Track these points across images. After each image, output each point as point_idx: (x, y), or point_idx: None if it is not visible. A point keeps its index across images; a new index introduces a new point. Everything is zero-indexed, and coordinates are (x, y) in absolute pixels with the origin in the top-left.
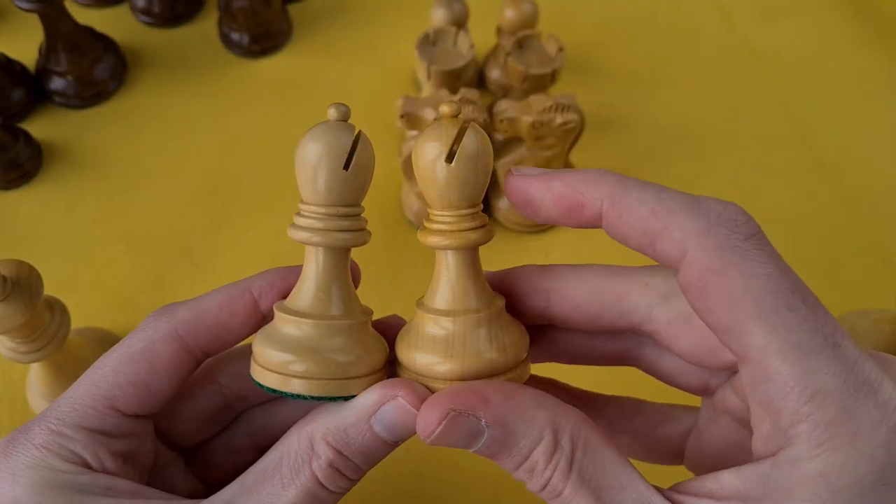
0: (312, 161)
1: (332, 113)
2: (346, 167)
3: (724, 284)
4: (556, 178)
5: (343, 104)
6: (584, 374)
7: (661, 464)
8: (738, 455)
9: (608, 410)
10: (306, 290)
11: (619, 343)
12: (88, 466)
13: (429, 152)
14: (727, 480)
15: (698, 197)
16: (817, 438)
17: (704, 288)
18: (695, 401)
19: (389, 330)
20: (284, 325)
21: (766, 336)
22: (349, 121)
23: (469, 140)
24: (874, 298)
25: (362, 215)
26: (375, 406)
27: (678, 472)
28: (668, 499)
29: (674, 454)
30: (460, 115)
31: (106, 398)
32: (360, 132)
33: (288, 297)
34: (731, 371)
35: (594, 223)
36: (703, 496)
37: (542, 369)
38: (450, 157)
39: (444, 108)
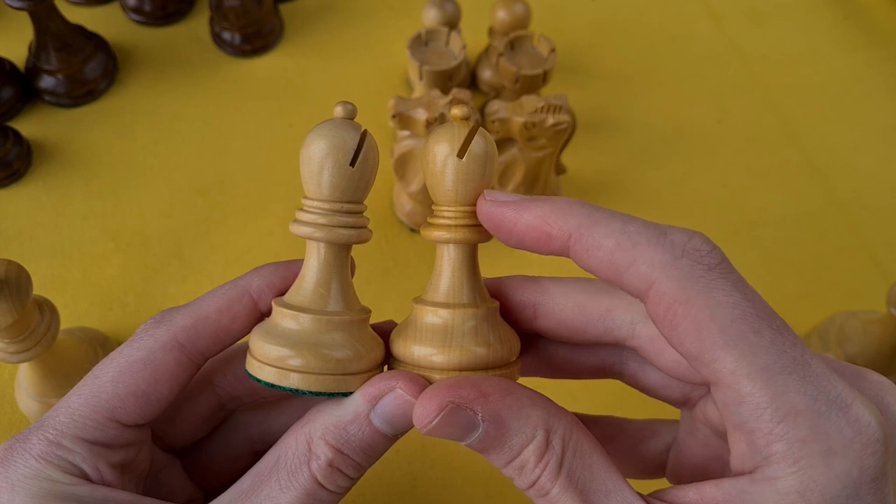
0: (319, 157)
1: (338, 111)
2: (352, 164)
3: (690, 315)
4: (526, 209)
5: (350, 102)
6: (567, 389)
7: (643, 478)
8: (717, 466)
9: (592, 431)
10: (306, 286)
11: (603, 356)
12: (87, 478)
13: (441, 149)
14: (707, 492)
15: (665, 228)
16: (792, 457)
17: (672, 319)
18: (674, 414)
19: (384, 335)
20: (283, 319)
21: (735, 361)
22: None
23: (479, 141)
24: (863, 299)
25: (364, 214)
26: (374, 400)
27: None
28: None
29: (656, 468)
30: (470, 119)
31: (106, 409)
32: (366, 130)
33: (287, 293)
34: None
35: (562, 253)
36: None
37: (527, 385)
38: (460, 155)
39: (456, 111)
